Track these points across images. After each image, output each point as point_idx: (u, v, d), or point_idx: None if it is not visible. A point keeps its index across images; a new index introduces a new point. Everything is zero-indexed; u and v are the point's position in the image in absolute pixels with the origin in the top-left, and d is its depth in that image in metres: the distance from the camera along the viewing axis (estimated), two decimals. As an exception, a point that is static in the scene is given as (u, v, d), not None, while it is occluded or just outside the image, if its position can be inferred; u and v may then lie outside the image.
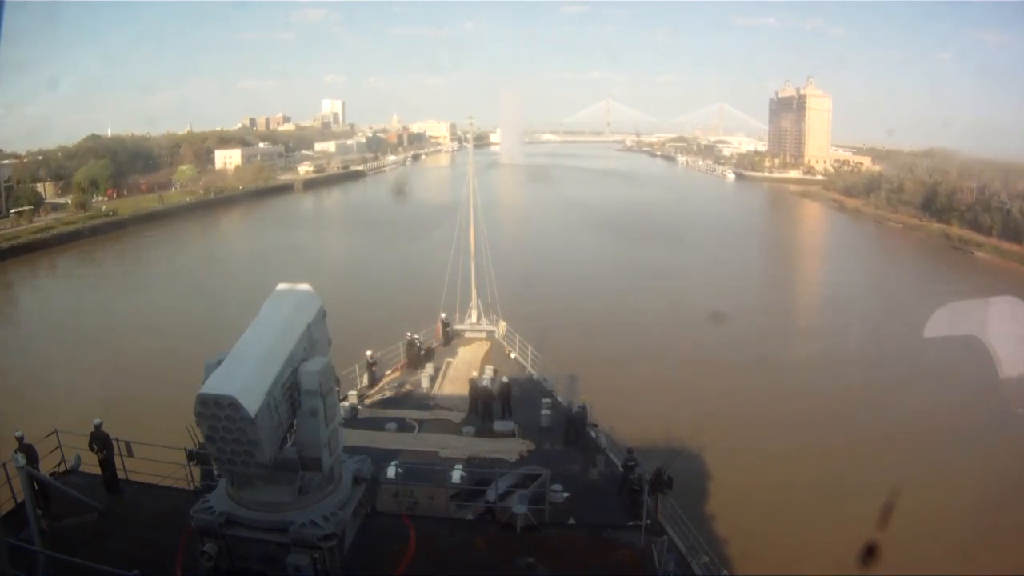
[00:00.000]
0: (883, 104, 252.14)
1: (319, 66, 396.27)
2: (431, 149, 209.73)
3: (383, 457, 15.47)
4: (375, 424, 19.72)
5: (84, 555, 10.28)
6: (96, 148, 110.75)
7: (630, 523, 13.37)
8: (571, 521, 14.35)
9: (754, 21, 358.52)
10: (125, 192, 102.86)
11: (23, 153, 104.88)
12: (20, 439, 13.00)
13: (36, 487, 12.33)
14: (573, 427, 19.14)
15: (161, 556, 11.43)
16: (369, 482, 11.79)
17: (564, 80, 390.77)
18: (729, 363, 35.16)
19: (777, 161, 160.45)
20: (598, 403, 20.48)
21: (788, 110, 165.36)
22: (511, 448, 18.32)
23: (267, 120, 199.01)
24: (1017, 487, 22.79)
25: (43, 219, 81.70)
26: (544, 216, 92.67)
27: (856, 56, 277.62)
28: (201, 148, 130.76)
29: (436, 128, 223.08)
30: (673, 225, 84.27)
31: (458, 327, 28.23)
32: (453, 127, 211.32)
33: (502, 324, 28.03)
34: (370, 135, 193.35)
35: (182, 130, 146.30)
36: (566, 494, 15.44)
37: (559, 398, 21.76)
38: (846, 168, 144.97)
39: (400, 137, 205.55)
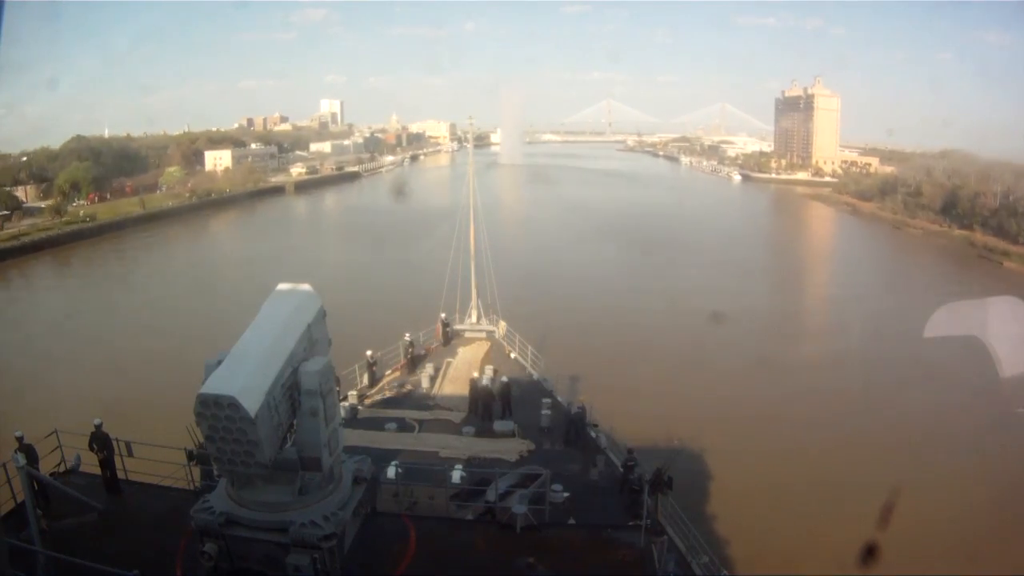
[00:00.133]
0: (884, 104, 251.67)
1: (319, 66, 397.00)
2: (430, 149, 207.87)
3: (383, 457, 15.46)
4: (375, 424, 19.72)
5: (84, 555, 10.28)
6: (79, 150, 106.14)
7: (630, 523, 13.36)
8: (571, 521, 14.35)
9: (754, 21, 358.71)
10: (108, 195, 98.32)
11: (9, 154, 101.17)
12: (20, 439, 13.01)
13: (36, 487, 12.34)
14: (573, 427, 19.15)
15: (161, 556, 11.43)
16: (369, 482, 11.82)
17: (564, 80, 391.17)
18: (779, 396, 31.72)
19: (784, 162, 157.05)
20: (598, 403, 20.48)
21: (795, 110, 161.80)
22: (511, 448, 18.32)
23: (264, 120, 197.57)
24: (1017, 487, 22.78)
25: (16, 225, 77.20)
26: (544, 220, 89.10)
27: (856, 56, 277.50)
28: (189, 149, 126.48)
29: (435, 128, 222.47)
30: (683, 231, 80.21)
31: (458, 327, 28.24)
32: (453, 127, 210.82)
33: (502, 324, 28.04)
34: (368, 135, 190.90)
35: (181, 131, 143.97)
36: (566, 494, 15.44)
37: (559, 398, 21.77)
38: (854, 169, 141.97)
39: (399, 137, 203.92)
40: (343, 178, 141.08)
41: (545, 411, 19.81)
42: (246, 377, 9.60)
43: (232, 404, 9.26)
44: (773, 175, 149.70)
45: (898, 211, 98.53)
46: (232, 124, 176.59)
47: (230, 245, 79.53)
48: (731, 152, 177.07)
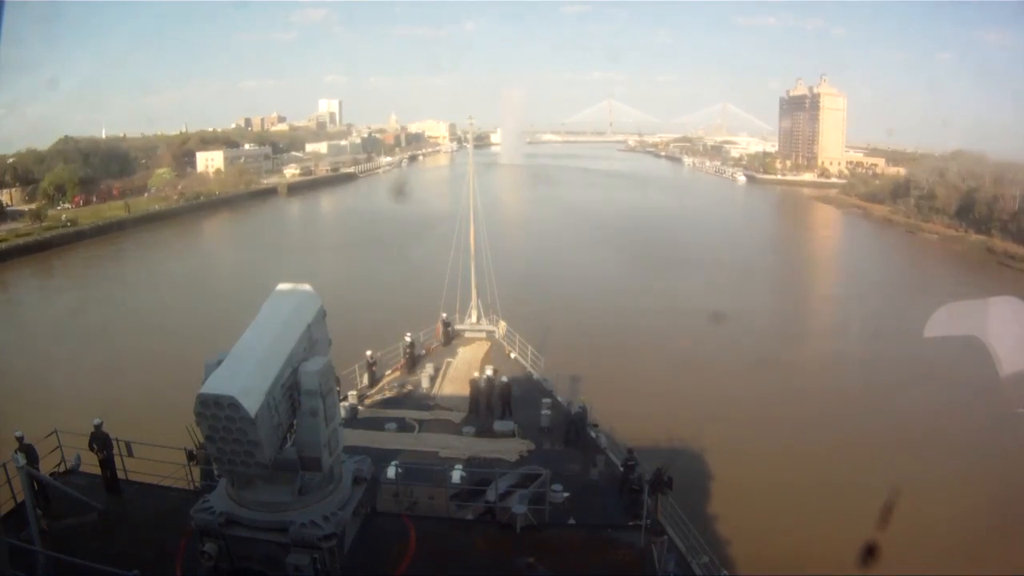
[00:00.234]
0: (884, 104, 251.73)
1: (319, 66, 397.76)
2: (429, 150, 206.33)
3: (383, 457, 15.48)
4: (375, 424, 19.73)
5: (84, 555, 10.28)
6: (67, 151, 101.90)
7: (630, 523, 13.37)
8: (571, 521, 14.35)
9: (754, 21, 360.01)
10: (94, 199, 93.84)
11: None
12: (20, 439, 13.01)
13: (36, 487, 12.35)
14: (573, 427, 19.17)
15: (161, 556, 11.43)
16: (369, 482, 11.83)
17: (564, 80, 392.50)
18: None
19: (789, 163, 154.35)
20: (598, 403, 20.49)
21: (800, 109, 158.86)
22: (511, 448, 18.33)
23: (262, 120, 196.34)
24: (1018, 487, 22.78)
25: (-3, 230, 72.01)
26: (545, 221, 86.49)
27: (857, 56, 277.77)
28: (180, 150, 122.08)
29: (435, 128, 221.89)
30: (692, 237, 75.01)
31: (458, 327, 28.26)
32: (452, 127, 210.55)
33: (502, 324, 28.06)
34: (366, 135, 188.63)
35: (178, 131, 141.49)
36: (566, 494, 15.46)
37: (559, 398, 21.78)
38: (860, 171, 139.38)
39: (397, 137, 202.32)
40: (338, 179, 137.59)
41: (545, 411, 19.82)
42: (246, 377, 9.61)
43: (232, 404, 9.27)
44: (778, 176, 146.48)
45: (911, 215, 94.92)
46: (231, 125, 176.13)
47: (202, 258, 71.75)
48: (734, 152, 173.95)
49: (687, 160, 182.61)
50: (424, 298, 31.01)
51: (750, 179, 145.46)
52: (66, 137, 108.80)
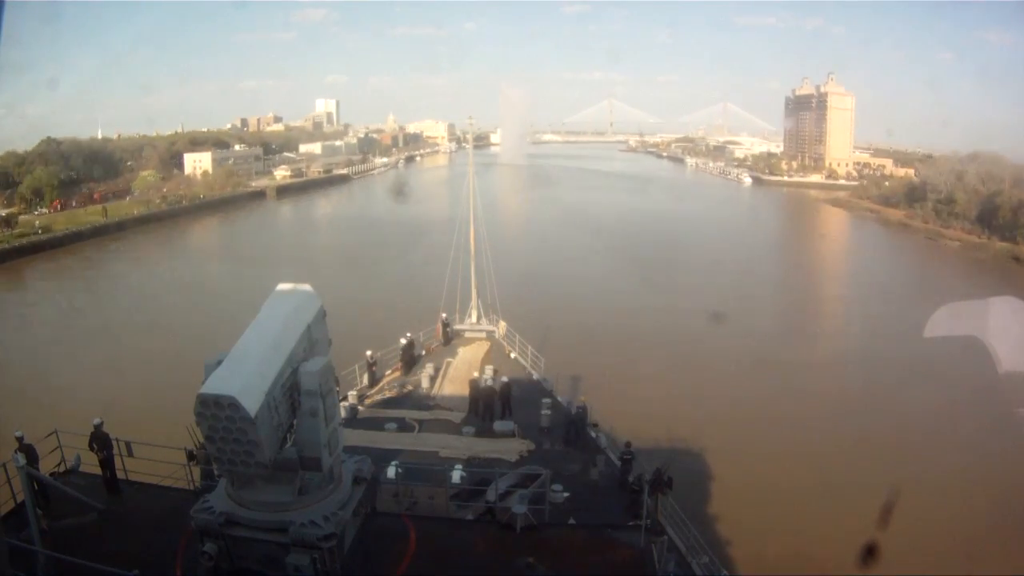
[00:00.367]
0: (885, 104, 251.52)
1: (319, 66, 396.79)
2: (427, 150, 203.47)
3: (383, 457, 15.48)
4: (375, 424, 19.73)
5: (84, 555, 10.28)
6: (48, 153, 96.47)
7: (630, 523, 13.37)
8: (571, 521, 14.36)
9: (754, 21, 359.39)
10: (74, 203, 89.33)
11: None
12: (20, 439, 13.00)
13: (36, 487, 12.34)
14: (573, 427, 19.18)
15: (161, 556, 11.43)
16: (369, 482, 11.81)
17: (565, 80, 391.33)
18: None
19: (795, 164, 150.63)
20: (598, 403, 20.50)
21: (806, 109, 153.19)
22: (511, 448, 18.33)
23: (258, 120, 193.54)
24: (1018, 487, 22.78)
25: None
26: (544, 228, 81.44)
27: (857, 56, 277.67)
28: (167, 152, 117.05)
29: (433, 128, 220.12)
30: (708, 251, 68.41)
31: (458, 327, 28.26)
32: (451, 127, 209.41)
33: (502, 324, 28.06)
34: (363, 135, 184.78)
35: (173, 131, 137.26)
36: (566, 494, 15.47)
37: (559, 398, 21.79)
38: (868, 172, 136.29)
39: (395, 138, 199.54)
40: (330, 181, 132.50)
41: (545, 411, 19.83)
42: (246, 377, 9.61)
43: (232, 404, 9.27)
44: (785, 178, 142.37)
45: (929, 220, 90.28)
46: (227, 125, 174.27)
47: (152, 276, 62.20)
48: (738, 153, 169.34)
49: (690, 161, 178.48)
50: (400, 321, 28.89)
51: (756, 180, 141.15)
52: (48, 138, 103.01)
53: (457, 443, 18.66)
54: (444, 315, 27.69)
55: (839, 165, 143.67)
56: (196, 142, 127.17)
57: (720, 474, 23.56)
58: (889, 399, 31.10)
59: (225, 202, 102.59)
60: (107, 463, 13.99)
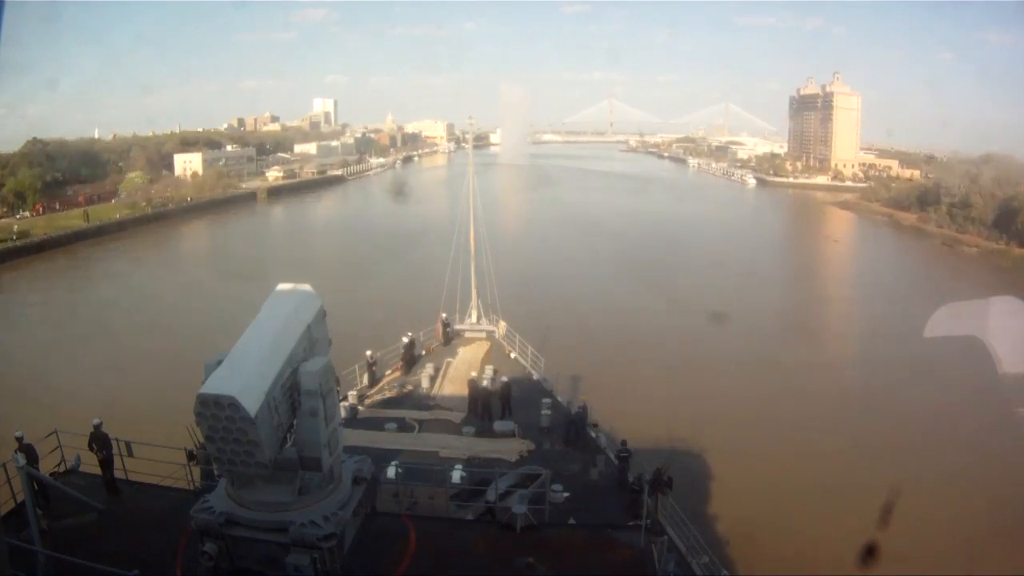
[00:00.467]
0: (886, 105, 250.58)
1: (319, 66, 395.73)
2: (426, 150, 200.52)
3: (383, 457, 15.49)
4: (375, 424, 19.73)
5: (84, 555, 10.28)
6: (33, 154, 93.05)
7: (630, 523, 13.37)
8: (571, 521, 14.35)
9: (754, 21, 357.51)
10: (58, 206, 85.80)
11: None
12: (20, 439, 13.00)
13: (36, 487, 12.34)
14: (573, 427, 19.18)
15: (161, 556, 11.43)
16: (369, 482, 11.83)
17: (564, 80, 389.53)
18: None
19: (800, 165, 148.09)
20: (598, 403, 20.49)
21: (811, 109, 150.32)
22: (511, 448, 18.33)
23: (255, 120, 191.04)
24: (1018, 487, 22.77)
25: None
26: (543, 235, 76.46)
27: (857, 56, 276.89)
28: (156, 153, 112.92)
29: (432, 128, 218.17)
30: (721, 260, 63.84)
31: (458, 327, 28.26)
32: (450, 127, 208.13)
33: (502, 324, 28.06)
34: (359, 135, 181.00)
35: (173, 131, 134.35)
36: (566, 494, 15.47)
37: (559, 398, 21.80)
38: (874, 173, 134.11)
39: (393, 138, 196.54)
40: (325, 182, 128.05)
41: (545, 411, 19.82)
42: (246, 377, 9.62)
43: (232, 404, 9.27)
44: (790, 179, 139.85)
45: (943, 224, 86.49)
46: (224, 125, 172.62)
47: (121, 288, 55.75)
48: (741, 154, 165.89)
49: (692, 161, 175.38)
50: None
51: (760, 182, 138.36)
52: (34, 139, 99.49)
53: (457, 443, 18.65)
54: (444, 315, 27.69)
55: (845, 166, 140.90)
56: (187, 142, 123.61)
57: (720, 474, 23.55)
58: (889, 399, 31.13)
59: (214, 204, 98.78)
60: (107, 463, 13.99)
